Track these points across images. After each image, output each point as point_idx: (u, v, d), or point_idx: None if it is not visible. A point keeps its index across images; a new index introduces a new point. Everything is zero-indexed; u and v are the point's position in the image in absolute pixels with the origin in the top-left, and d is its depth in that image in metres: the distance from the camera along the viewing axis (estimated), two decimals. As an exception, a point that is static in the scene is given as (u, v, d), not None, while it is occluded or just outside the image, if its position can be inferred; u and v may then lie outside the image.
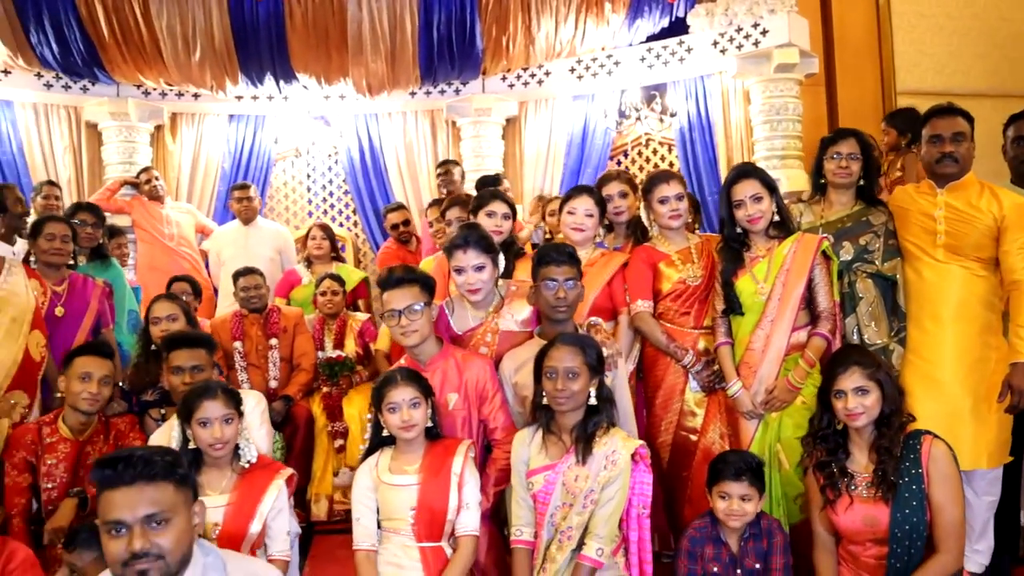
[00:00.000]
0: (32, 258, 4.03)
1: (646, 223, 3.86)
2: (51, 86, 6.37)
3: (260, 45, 5.84)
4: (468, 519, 2.80)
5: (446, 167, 6.17)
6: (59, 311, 3.88)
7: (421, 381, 2.85)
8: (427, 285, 3.13)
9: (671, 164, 6.88)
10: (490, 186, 5.67)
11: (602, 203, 3.79)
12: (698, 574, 2.90)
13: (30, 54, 5.82)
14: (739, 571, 2.88)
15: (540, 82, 6.88)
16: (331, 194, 7.30)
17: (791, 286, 3.33)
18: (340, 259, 6.08)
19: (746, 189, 3.39)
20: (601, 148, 6.93)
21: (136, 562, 1.78)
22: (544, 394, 2.84)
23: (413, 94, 6.92)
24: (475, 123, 6.92)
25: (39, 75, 6.28)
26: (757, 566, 2.88)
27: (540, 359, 2.87)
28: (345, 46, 5.88)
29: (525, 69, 6.84)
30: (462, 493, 2.78)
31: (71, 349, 3.38)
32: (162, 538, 1.81)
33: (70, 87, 6.42)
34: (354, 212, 7.25)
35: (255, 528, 2.74)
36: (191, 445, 2.81)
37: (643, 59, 6.62)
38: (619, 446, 2.78)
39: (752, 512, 2.87)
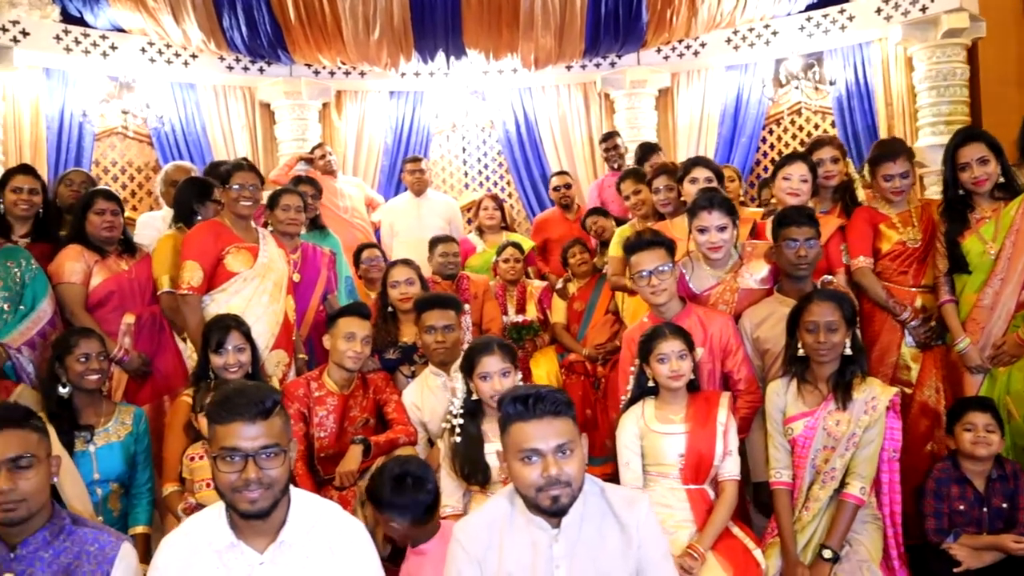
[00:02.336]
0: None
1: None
2: (232, 68, 6.73)
3: (436, 23, 6.09)
4: (731, 465, 2.98)
5: (612, 140, 6.30)
6: (296, 277, 4.17)
7: (686, 335, 3.03)
8: (670, 248, 3.33)
9: (825, 132, 6.91)
10: (650, 153, 5.84)
11: (814, 168, 3.90)
12: (944, 512, 3.05)
13: (221, 38, 6.18)
14: (985, 510, 3.03)
15: (696, 53, 6.97)
16: (486, 166, 7.53)
17: (1021, 245, 3.40)
18: (509, 228, 6.30)
19: (973, 152, 3.46)
20: (755, 118, 7.00)
21: (551, 488, 1.99)
22: (801, 346, 3.00)
23: (569, 68, 7.09)
24: (629, 95, 7.06)
25: (222, 58, 6.64)
26: (1004, 505, 3.01)
27: (795, 314, 3.02)
28: (516, 22, 6.08)
29: (680, 41, 6.93)
30: (727, 441, 2.96)
31: (336, 310, 3.66)
32: (569, 465, 2.02)
33: (248, 68, 6.78)
34: (508, 184, 7.47)
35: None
36: (474, 397, 3.05)
37: (802, 28, 6.65)
38: (878, 392, 2.93)
39: (996, 444, 3.02)
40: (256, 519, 2.00)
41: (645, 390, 3.09)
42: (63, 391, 3.23)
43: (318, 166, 6.51)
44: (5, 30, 5.76)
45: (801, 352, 3.02)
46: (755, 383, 3.33)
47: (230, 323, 3.37)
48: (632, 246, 3.33)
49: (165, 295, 3.95)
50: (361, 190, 6.75)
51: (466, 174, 7.53)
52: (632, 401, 3.12)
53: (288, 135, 6.91)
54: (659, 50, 7.01)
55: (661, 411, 3.04)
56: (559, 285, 5.43)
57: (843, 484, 2.91)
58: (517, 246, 5.55)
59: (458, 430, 3.06)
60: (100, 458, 3.25)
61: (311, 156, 6.54)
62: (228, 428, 1.98)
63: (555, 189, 6.21)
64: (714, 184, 3.95)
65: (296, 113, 6.90)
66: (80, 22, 6.17)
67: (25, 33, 5.86)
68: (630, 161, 6.37)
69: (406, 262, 4.25)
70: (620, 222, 5.41)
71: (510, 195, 7.48)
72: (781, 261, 3.35)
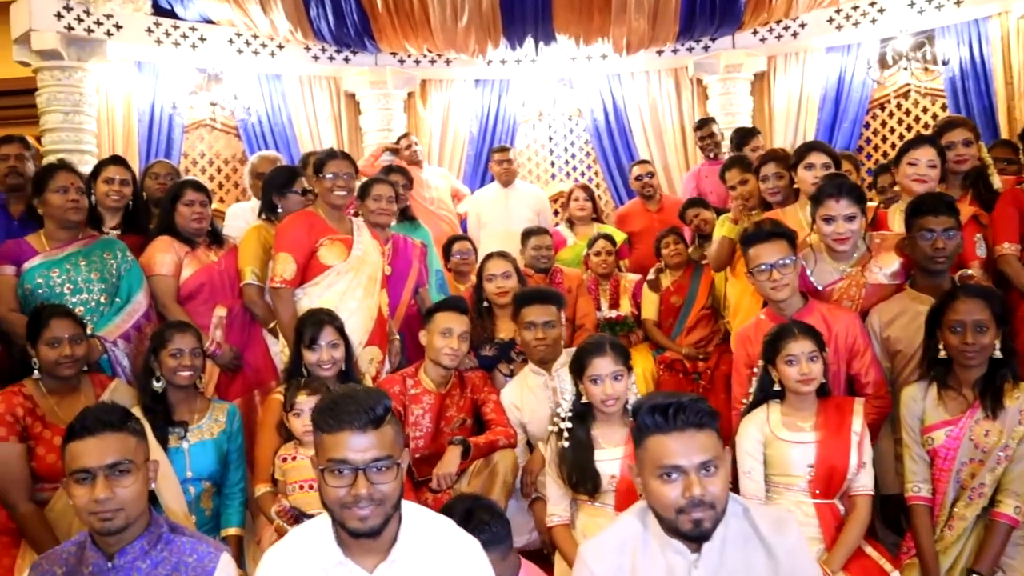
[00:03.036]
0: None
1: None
2: (318, 58, 6.67)
3: (525, 8, 5.92)
4: (865, 478, 2.72)
5: (707, 127, 6.02)
6: (387, 270, 4.02)
7: (816, 334, 2.78)
8: (792, 240, 3.08)
9: (934, 116, 6.51)
10: (748, 138, 5.55)
11: (943, 152, 3.59)
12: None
13: (307, 27, 6.12)
14: None
15: (795, 34, 6.64)
16: (573, 156, 7.33)
17: None
18: (600, 219, 6.09)
19: None
20: (858, 101, 6.65)
21: (693, 510, 1.79)
22: (942, 348, 2.72)
23: (660, 53, 6.83)
24: (723, 80, 6.78)
25: (308, 48, 6.58)
26: None
27: (936, 313, 2.75)
28: (609, 6, 5.87)
29: (778, 22, 6.61)
30: (861, 451, 2.71)
31: (433, 305, 3.51)
32: (713, 485, 1.82)
33: (334, 58, 6.71)
34: (596, 174, 7.25)
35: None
36: (583, 400, 2.86)
37: (911, 4, 6.26)
38: (1034, 399, 2.63)
39: None
40: (366, 538, 1.84)
41: (769, 394, 2.85)
42: (157, 386, 3.15)
43: (404, 156, 6.39)
44: (99, 23, 5.79)
45: (943, 354, 2.74)
46: (884, 387, 3.06)
47: (324, 318, 3.25)
48: (751, 237, 3.09)
49: (248, 287, 3.86)
50: (447, 181, 6.62)
51: (552, 164, 7.33)
52: (754, 405, 2.89)
53: (373, 125, 6.81)
54: (755, 32, 6.70)
55: (788, 417, 2.79)
56: (650, 276, 5.20)
57: (994, 502, 2.63)
58: (609, 238, 5.34)
59: (566, 435, 2.86)
60: (193, 455, 3.15)
61: (396, 146, 6.42)
62: (336, 438, 1.81)
63: (636, 179, 5.98)
64: (832, 171, 3.67)
65: (381, 103, 6.81)
66: (170, 14, 6.18)
67: (118, 26, 5.88)
68: (726, 148, 6.11)
69: (502, 255, 4.08)
70: (719, 212, 5.17)
71: (597, 185, 7.26)
72: (915, 254, 3.06)
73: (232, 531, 3.16)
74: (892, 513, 3.09)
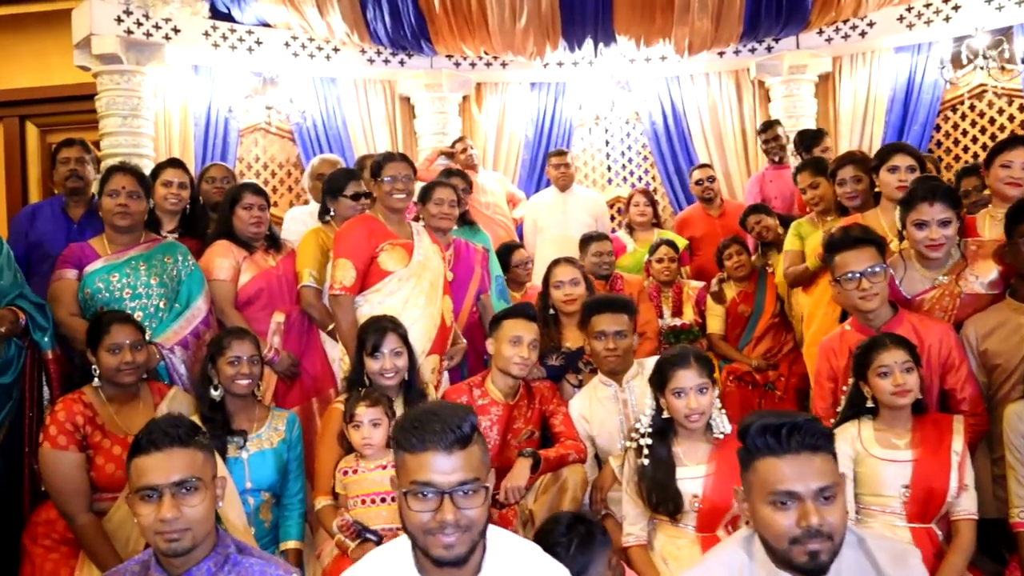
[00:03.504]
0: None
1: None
2: (373, 61, 6.59)
3: (586, 8, 5.77)
4: (968, 501, 2.54)
5: (772, 129, 5.83)
6: (449, 276, 3.91)
7: (910, 345, 2.61)
8: (881, 246, 2.91)
9: (1011, 117, 6.24)
10: (816, 140, 5.35)
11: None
12: None
13: (364, 30, 6.05)
14: None
15: (863, 34, 6.40)
16: (630, 160, 7.17)
17: None
18: (659, 225, 5.93)
19: None
20: (929, 103, 6.41)
21: (809, 541, 1.65)
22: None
23: (721, 54, 6.64)
24: (786, 81, 6.57)
25: (363, 51, 6.52)
26: None
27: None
28: (672, 5, 5.70)
29: (845, 22, 6.38)
30: (963, 473, 2.52)
31: (501, 312, 3.37)
32: (831, 514, 1.67)
33: (389, 61, 6.63)
34: (653, 178, 7.08)
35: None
36: (664, 415, 2.71)
37: (989, 1, 5.99)
38: None
39: None
40: (451, 566, 1.71)
41: (861, 410, 2.67)
42: (215, 394, 3.07)
43: (459, 161, 6.29)
44: (158, 27, 5.78)
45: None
46: (981, 404, 2.87)
47: (387, 325, 3.14)
48: (837, 244, 2.92)
49: (305, 289, 3.78)
50: (502, 185, 6.50)
51: (609, 168, 7.18)
52: (843, 420, 2.71)
53: (428, 129, 6.72)
54: (821, 32, 6.48)
55: (882, 434, 2.62)
56: (713, 288, 5.03)
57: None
58: (672, 244, 5.19)
59: (646, 451, 2.71)
60: (253, 466, 3.06)
61: (452, 150, 6.33)
62: (420, 458, 1.69)
63: (697, 183, 5.82)
64: (917, 173, 3.48)
65: (436, 106, 6.71)
66: (227, 18, 6.15)
67: (176, 30, 5.86)
68: (790, 152, 5.92)
69: (570, 260, 3.95)
70: (783, 219, 4.99)
71: (655, 190, 7.06)
72: (1017, 262, 2.85)
73: (292, 544, 3.06)
74: (989, 539, 2.89)
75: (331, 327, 3.73)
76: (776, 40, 6.52)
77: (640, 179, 7.12)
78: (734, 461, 2.59)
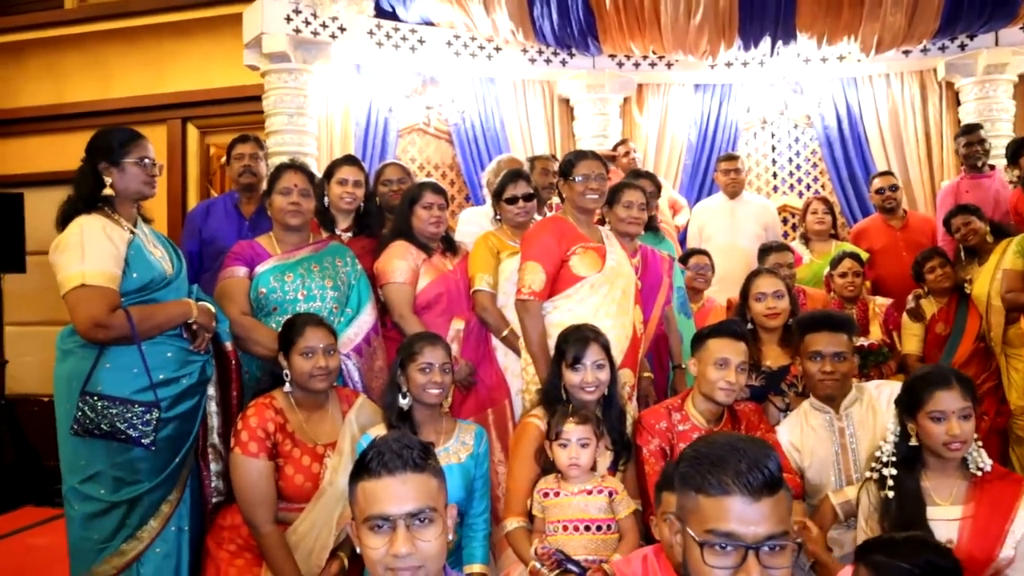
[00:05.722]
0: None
1: None
2: (534, 61, 6.41)
3: (767, 4, 5.41)
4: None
5: (975, 133, 5.33)
6: (638, 284, 3.65)
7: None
8: None
9: None
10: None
11: None
12: None
13: (529, 27, 5.86)
14: None
15: (1077, 28, 5.80)
16: (798, 167, 6.74)
17: None
18: (837, 236, 5.52)
19: None
20: None
21: None
22: None
23: (906, 53, 6.15)
24: (980, 82, 6.01)
25: (524, 51, 6.34)
26: None
27: None
28: (861, 0, 5.27)
29: (1056, 15, 5.80)
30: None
31: (705, 330, 3.08)
32: None
33: (550, 60, 6.43)
34: (823, 187, 6.63)
35: (1006, 553, 2.24)
36: (913, 442, 2.38)
37: None
38: None
39: None
40: None
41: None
42: (403, 403, 2.90)
43: (620, 164, 6.03)
44: (325, 26, 5.75)
45: None
46: None
47: (589, 335, 2.90)
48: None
49: (479, 293, 3.62)
50: (665, 191, 6.21)
51: (775, 175, 6.76)
52: None
53: (587, 131, 6.47)
54: (1024, 27, 5.91)
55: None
56: (910, 304, 4.61)
57: None
58: (856, 257, 4.79)
59: (890, 482, 2.38)
60: (440, 482, 2.88)
61: (614, 153, 6.07)
62: (720, 504, 1.43)
63: (878, 192, 5.40)
64: None
65: (597, 108, 6.45)
66: (392, 16, 6.08)
67: (342, 29, 5.82)
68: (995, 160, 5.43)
69: (772, 272, 3.64)
70: (994, 227, 4.56)
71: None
72: None
73: (478, 568, 2.86)
74: None
75: (505, 333, 3.56)
76: (971, 37, 5.98)
77: (808, 187, 6.68)
78: (996, 503, 2.26)
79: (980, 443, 2.44)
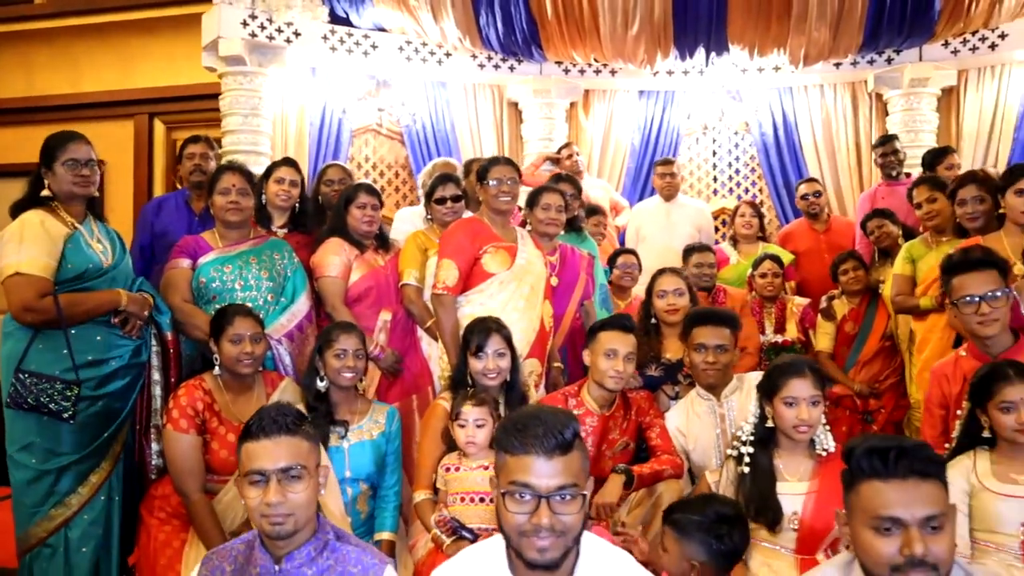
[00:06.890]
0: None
1: None
2: (483, 66, 6.68)
3: (699, 15, 5.71)
4: None
5: (891, 144, 5.63)
6: (554, 281, 3.94)
7: None
8: (1004, 270, 2.79)
9: None
10: (939, 158, 5.17)
11: None
12: None
13: (476, 35, 6.14)
14: None
15: (993, 46, 6.13)
16: (737, 171, 7.05)
17: None
18: (765, 238, 5.82)
19: None
20: (1063, 121, 6.08)
21: (912, 570, 1.61)
22: None
23: (837, 65, 6.47)
24: (906, 95, 6.34)
25: (474, 56, 6.61)
26: None
27: None
28: (788, 14, 5.58)
29: (974, 33, 6.13)
30: None
31: (598, 323, 3.37)
32: (938, 544, 1.62)
33: (499, 66, 6.71)
34: (760, 191, 6.95)
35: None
36: (768, 423, 2.68)
37: None
38: None
39: None
40: (543, 570, 1.74)
41: (976, 440, 2.57)
42: (320, 385, 3.18)
43: (564, 166, 6.30)
44: (280, 31, 6.00)
45: None
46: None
47: (491, 326, 3.19)
48: (955, 265, 2.82)
49: (406, 287, 3.89)
50: (606, 193, 6.49)
51: (715, 179, 7.07)
52: (958, 451, 2.62)
53: (535, 135, 6.75)
54: (946, 44, 6.24)
55: (1000, 467, 2.51)
56: (823, 304, 4.91)
57: None
58: (776, 259, 5.08)
59: (747, 459, 2.68)
60: (352, 456, 3.18)
61: (557, 156, 6.35)
62: (521, 461, 1.72)
63: (803, 197, 5.71)
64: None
65: (544, 112, 6.74)
66: (345, 22, 6.33)
67: (297, 34, 6.07)
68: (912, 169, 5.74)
69: (675, 271, 3.93)
70: (906, 231, 4.84)
71: (761, 203, 6.93)
72: None
73: (386, 536, 3.15)
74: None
75: (428, 324, 3.82)
76: (897, 52, 6.31)
77: (747, 191, 7.00)
78: (837, 481, 2.55)
79: (828, 427, 2.73)
